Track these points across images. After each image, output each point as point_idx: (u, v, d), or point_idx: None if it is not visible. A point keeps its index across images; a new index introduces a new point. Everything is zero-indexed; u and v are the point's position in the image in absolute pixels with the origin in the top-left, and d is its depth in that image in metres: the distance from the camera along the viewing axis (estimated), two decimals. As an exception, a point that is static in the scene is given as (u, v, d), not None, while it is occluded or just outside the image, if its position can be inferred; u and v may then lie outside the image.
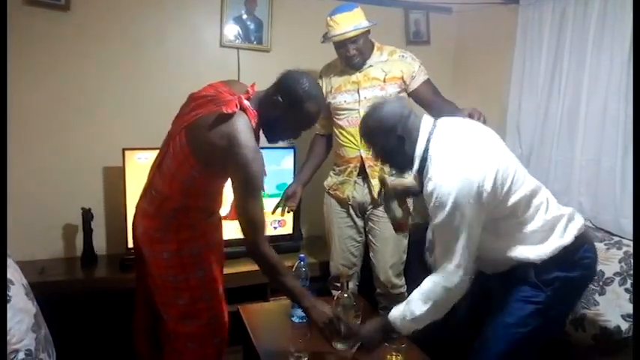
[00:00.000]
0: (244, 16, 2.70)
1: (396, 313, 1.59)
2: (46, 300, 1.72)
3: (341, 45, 2.17)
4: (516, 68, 2.69)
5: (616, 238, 2.08)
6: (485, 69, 2.97)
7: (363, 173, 2.30)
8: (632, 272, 1.92)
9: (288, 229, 2.75)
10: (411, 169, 1.59)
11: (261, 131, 1.66)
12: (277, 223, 2.70)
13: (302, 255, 2.07)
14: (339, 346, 1.77)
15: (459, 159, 1.47)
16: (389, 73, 2.22)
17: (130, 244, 2.33)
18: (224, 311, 1.76)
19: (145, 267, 1.71)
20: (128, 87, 2.55)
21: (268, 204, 2.55)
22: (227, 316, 1.78)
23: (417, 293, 1.54)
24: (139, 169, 2.32)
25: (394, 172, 1.87)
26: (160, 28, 2.59)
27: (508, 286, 1.58)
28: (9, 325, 1.44)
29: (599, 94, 2.26)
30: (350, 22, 2.12)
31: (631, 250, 1.98)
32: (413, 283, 2.47)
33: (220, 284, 1.75)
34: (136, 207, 1.75)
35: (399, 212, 1.91)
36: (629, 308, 1.89)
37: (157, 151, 1.74)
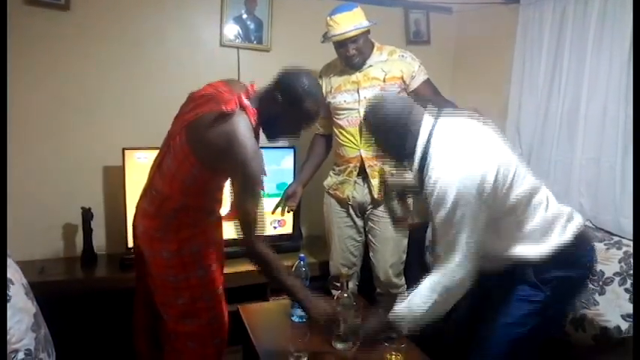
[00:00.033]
0: (244, 16, 2.70)
1: (398, 310, 1.58)
2: (45, 300, 1.72)
3: (341, 45, 2.17)
4: (516, 68, 2.69)
5: (616, 238, 2.08)
6: (486, 69, 2.97)
7: (362, 173, 2.30)
8: (632, 272, 1.92)
9: (288, 228, 2.75)
10: (411, 164, 1.58)
11: (261, 130, 1.66)
12: (277, 222, 2.70)
13: (302, 255, 2.07)
14: (339, 345, 1.77)
15: (461, 154, 1.46)
16: (389, 73, 2.22)
17: (130, 244, 2.34)
18: (224, 311, 1.76)
19: (145, 267, 1.71)
20: (128, 86, 2.55)
21: (268, 204, 2.56)
22: (227, 315, 1.78)
23: (418, 291, 1.53)
24: (138, 168, 2.32)
25: (395, 168, 1.86)
26: (160, 27, 2.58)
27: (507, 286, 1.58)
28: (8, 324, 1.44)
29: (599, 94, 2.26)
30: (350, 22, 2.12)
31: (631, 250, 1.98)
32: (413, 283, 2.48)
33: (220, 284, 1.75)
34: (136, 207, 1.74)
35: (398, 209, 1.91)
36: (628, 308, 1.89)
37: (157, 151, 1.74)
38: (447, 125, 1.55)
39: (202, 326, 1.69)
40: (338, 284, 1.87)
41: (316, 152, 2.46)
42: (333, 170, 2.42)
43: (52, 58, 2.41)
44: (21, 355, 1.47)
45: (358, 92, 2.24)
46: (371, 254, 2.42)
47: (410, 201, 2.23)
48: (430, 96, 2.24)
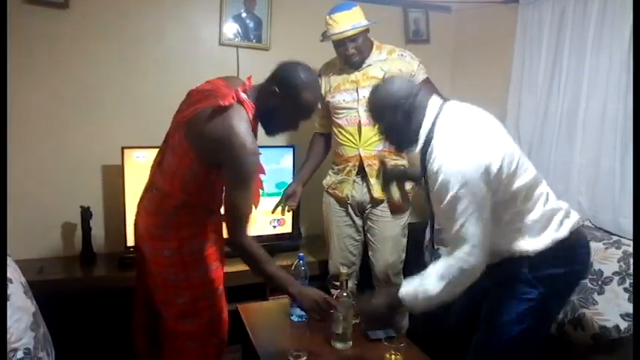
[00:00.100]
0: (243, 15, 2.70)
1: (408, 289, 1.54)
2: (44, 299, 1.72)
3: (340, 44, 2.16)
4: (516, 67, 2.69)
5: (615, 238, 2.08)
6: (485, 68, 2.97)
7: (361, 172, 2.30)
8: (631, 271, 1.92)
9: (287, 228, 2.75)
10: (414, 147, 1.56)
11: (259, 126, 1.66)
12: (276, 222, 2.70)
13: (301, 254, 2.07)
14: (339, 345, 1.78)
15: (467, 138, 1.45)
16: (388, 72, 2.22)
17: (129, 243, 2.35)
18: (224, 310, 1.76)
19: (145, 266, 1.71)
20: (127, 85, 2.55)
21: (268, 203, 2.57)
22: (227, 314, 1.78)
23: (431, 272, 1.50)
24: (137, 167, 2.32)
25: (397, 152, 1.81)
26: (159, 26, 2.58)
27: (504, 285, 1.58)
28: (8, 323, 1.44)
29: (598, 93, 2.26)
30: (349, 21, 2.12)
31: (630, 249, 1.98)
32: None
33: (221, 283, 1.75)
34: (138, 205, 1.74)
35: (396, 194, 1.90)
36: (627, 307, 1.89)
37: (156, 150, 1.75)
38: (453, 111, 1.53)
39: (202, 325, 1.69)
40: (337, 283, 1.87)
41: (315, 151, 2.45)
42: (332, 169, 2.42)
43: (51, 57, 2.40)
44: (20, 354, 1.47)
45: (357, 91, 2.24)
46: (370, 253, 2.42)
47: (408, 186, 2.23)
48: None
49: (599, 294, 1.99)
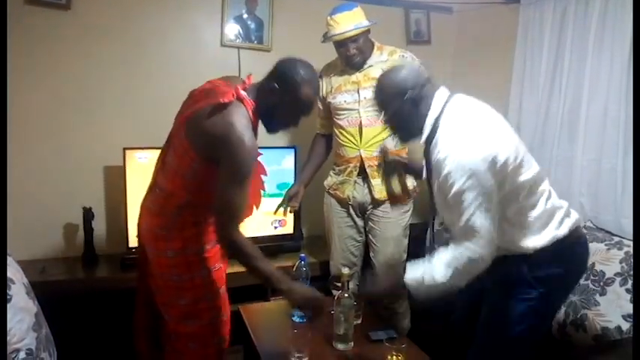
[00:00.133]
0: (245, 16, 2.70)
1: (414, 275, 1.52)
2: (46, 299, 1.73)
3: (341, 44, 2.17)
4: (517, 68, 2.69)
5: (617, 239, 2.08)
6: (486, 69, 2.97)
7: (363, 173, 2.30)
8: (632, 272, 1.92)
9: (288, 228, 2.75)
10: (419, 137, 1.54)
11: (261, 125, 1.66)
12: (278, 222, 2.70)
13: (302, 255, 2.07)
14: (340, 346, 1.78)
15: (474, 129, 1.44)
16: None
17: (131, 244, 2.35)
18: (226, 311, 1.76)
19: (148, 267, 1.71)
20: (129, 86, 2.55)
21: (269, 204, 2.57)
22: (229, 315, 1.78)
23: (439, 259, 1.48)
24: (139, 168, 2.32)
25: (401, 141, 1.78)
26: (161, 27, 2.58)
27: (502, 285, 1.58)
28: (10, 324, 1.45)
29: (599, 94, 2.26)
30: (350, 21, 2.12)
31: (632, 250, 1.97)
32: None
33: (223, 284, 1.75)
34: (141, 206, 1.75)
35: (396, 185, 1.90)
36: (629, 308, 1.89)
37: (158, 151, 1.75)
38: (460, 103, 1.52)
39: (203, 327, 1.69)
40: (338, 284, 1.87)
41: (317, 152, 2.46)
42: (333, 170, 2.42)
43: (52, 58, 2.41)
44: (22, 354, 1.48)
45: (358, 92, 2.24)
46: (371, 254, 2.42)
47: (409, 183, 2.22)
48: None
49: (600, 295, 1.99)
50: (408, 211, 2.38)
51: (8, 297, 1.48)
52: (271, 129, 1.67)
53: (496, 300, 1.60)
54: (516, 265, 1.54)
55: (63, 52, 2.42)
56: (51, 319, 1.71)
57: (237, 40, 2.71)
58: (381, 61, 2.24)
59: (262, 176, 2.67)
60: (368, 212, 2.36)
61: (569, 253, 1.56)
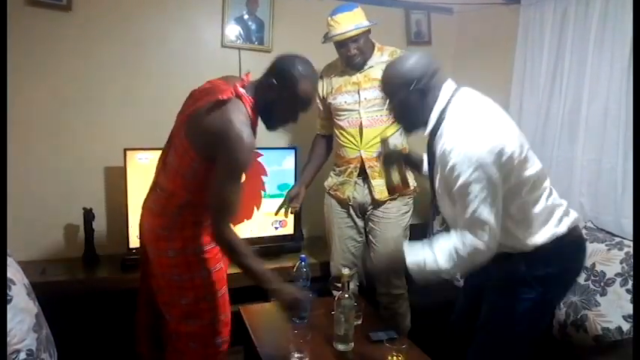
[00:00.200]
0: (246, 17, 2.70)
1: (416, 259, 1.49)
2: (47, 300, 1.73)
3: (342, 44, 2.17)
4: (517, 68, 2.69)
5: (617, 239, 2.08)
6: (487, 69, 2.97)
7: (363, 174, 2.30)
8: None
9: (289, 229, 2.75)
10: (423, 128, 1.53)
11: (261, 124, 1.66)
12: (278, 223, 2.70)
13: (303, 255, 2.07)
14: (340, 346, 1.78)
15: (480, 121, 1.43)
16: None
17: (132, 245, 2.35)
18: (227, 311, 1.76)
19: (150, 267, 1.72)
20: (129, 87, 2.56)
21: (269, 205, 2.57)
22: (230, 316, 1.78)
23: (443, 246, 1.46)
24: (140, 169, 2.32)
25: (405, 131, 1.77)
26: (162, 28, 2.59)
27: (501, 285, 1.58)
28: (10, 325, 1.45)
29: (600, 94, 2.26)
30: (351, 22, 2.12)
31: (632, 250, 1.97)
32: (413, 283, 2.49)
33: (224, 284, 1.76)
34: (142, 206, 1.75)
35: (395, 176, 1.89)
36: (630, 309, 1.89)
37: (158, 152, 1.76)
38: (467, 96, 1.51)
39: (204, 327, 1.70)
40: (339, 285, 1.87)
41: (317, 153, 2.46)
42: (334, 171, 2.42)
43: (54, 59, 2.41)
44: (23, 355, 1.48)
45: (359, 93, 2.24)
46: (372, 255, 2.42)
47: (411, 183, 2.22)
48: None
49: (601, 295, 1.99)
50: (408, 211, 2.37)
51: (9, 298, 1.48)
52: (270, 125, 1.68)
53: (496, 299, 1.60)
54: (516, 263, 1.54)
55: (64, 53, 2.42)
56: (51, 320, 1.71)
57: (238, 41, 2.71)
58: (381, 61, 2.23)
59: (263, 177, 2.68)
60: (368, 213, 2.36)
61: (568, 251, 1.56)
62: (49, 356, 1.62)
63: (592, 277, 2.03)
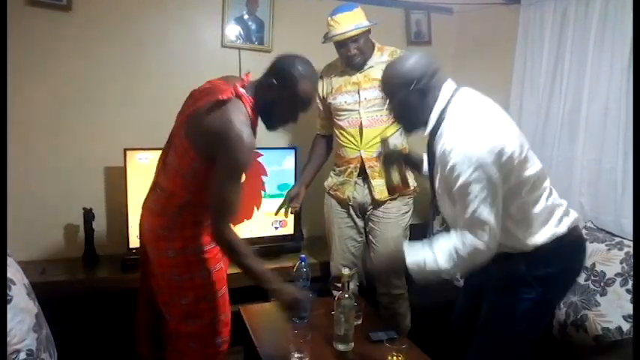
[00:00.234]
0: (246, 17, 2.70)
1: (416, 259, 1.49)
2: (47, 300, 1.73)
3: (342, 44, 2.17)
4: (517, 68, 2.69)
5: (617, 239, 2.08)
6: (487, 69, 2.97)
7: (363, 174, 2.30)
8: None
9: (289, 229, 2.75)
10: (423, 128, 1.53)
11: (261, 124, 1.66)
12: (278, 223, 2.70)
13: (303, 255, 2.07)
14: (340, 346, 1.78)
15: (480, 121, 1.43)
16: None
17: (132, 245, 2.35)
18: (227, 311, 1.76)
19: (150, 267, 1.72)
20: (129, 87, 2.56)
21: (270, 205, 2.57)
22: (230, 316, 1.78)
23: (443, 246, 1.46)
24: (140, 169, 2.32)
25: (405, 131, 1.77)
26: (162, 28, 2.59)
27: (501, 285, 1.58)
28: (10, 325, 1.45)
29: (600, 94, 2.26)
30: (351, 22, 2.12)
31: (632, 250, 1.97)
32: (413, 283, 2.49)
33: (224, 284, 1.76)
34: (142, 206, 1.75)
35: (395, 176, 1.89)
36: (630, 309, 1.89)
37: (158, 152, 1.76)
38: (467, 96, 1.51)
39: (204, 327, 1.70)
40: (339, 285, 1.87)
41: (317, 153, 2.46)
42: (334, 171, 2.42)
43: (54, 59, 2.41)
44: (23, 355, 1.48)
45: (359, 93, 2.24)
46: (372, 255, 2.42)
47: (412, 182, 2.21)
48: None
49: (601, 295, 1.99)
50: (408, 211, 2.37)
51: (9, 298, 1.48)
52: (270, 125, 1.68)
53: (496, 299, 1.60)
54: (516, 263, 1.54)
55: (64, 53, 2.42)
56: (51, 320, 1.71)
57: (238, 41, 2.71)
58: (381, 61, 2.23)
59: (263, 177, 2.68)
60: (368, 213, 2.36)
61: (568, 251, 1.56)
62: (49, 356, 1.62)
63: (592, 277, 2.03)
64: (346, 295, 1.77)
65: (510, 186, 1.45)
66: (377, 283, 2.42)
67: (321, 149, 2.46)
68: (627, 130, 2.14)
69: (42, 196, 2.46)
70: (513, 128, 1.49)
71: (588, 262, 2.05)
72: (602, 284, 2.00)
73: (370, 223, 2.37)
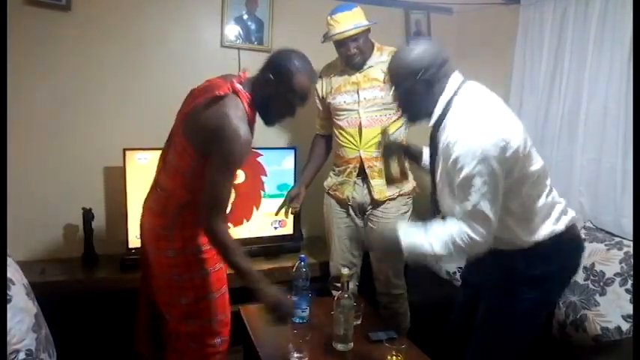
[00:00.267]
0: (245, 17, 2.70)
1: (413, 243, 1.48)
2: (46, 300, 1.73)
3: (341, 44, 2.17)
4: (517, 68, 2.69)
5: (617, 239, 2.08)
6: (486, 69, 2.95)
7: (362, 174, 2.30)
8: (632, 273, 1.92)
9: (288, 229, 2.75)
10: (427, 119, 1.52)
11: (259, 121, 1.67)
12: (278, 223, 2.70)
13: (302, 255, 2.07)
14: (340, 346, 1.78)
15: (486, 114, 1.42)
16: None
17: (131, 245, 2.35)
18: (227, 311, 1.77)
19: (150, 267, 1.72)
20: (129, 87, 2.56)
21: (269, 205, 2.57)
22: (230, 316, 1.78)
23: (441, 232, 1.45)
24: (139, 169, 2.32)
25: (408, 122, 1.75)
26: (161, 28, 2.59)
27: (499, 284, 1.58)
28: (10, 325, 1.45)
29: (599, 94, 2.26)
30: (350, 21, 2.12)
31: (632, 250, 1.97)
32: (413, 283, 2.49)
33: (224, 284, 1.76)
34: (143, 206, 1.75)
35: (394, 167, 1.89)
36: (629, 309, 1.89)
37: (158, 152, 1.76)
38: (473, 89, 1.51)
39: (204, 326, 1.70)
40: (338, 285, 1.87)
41: (317, 153, 2.46)
42: (333, 171, 2.42)
43: (53, 59, 2.41)
44: (22, 355, 1.48)
45: (358, 93, 2.24)
46: (371, 255, 2.42)
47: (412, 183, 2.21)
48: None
49: (600, 295, 1.99)
50: (408, 211, 2.37)
51: (8, 297, 1.47)
52: (268, 120, 1.68)
53: (494, 299, 1.60)
54: (514, 261, 1.54)
55: (63, 53, 2.42)
56: (51, 320, 1.71)
57: (238, 41, 2.71)
58: (381, 61, 2.24)
59: (262, 177, 2.68)
60: (367, 213, 2.36)
61: (566, 249, 1.57)
62: (48, 356, 1.61)
63: (591, 277, 2.03)
64: (346, 295, 1.77)
65: (512, 181, 1.44)
66: (376, 283, 2.42)
67: (321, 149, 2.46)
68: (627, 130, 2.14)
69: (41, 196, 2.46)
70: (518, 123, 1.48)
71: (588, 262, 2.05)
72: (601, 284, 2.00)
73: (369, 223, 2.37)
